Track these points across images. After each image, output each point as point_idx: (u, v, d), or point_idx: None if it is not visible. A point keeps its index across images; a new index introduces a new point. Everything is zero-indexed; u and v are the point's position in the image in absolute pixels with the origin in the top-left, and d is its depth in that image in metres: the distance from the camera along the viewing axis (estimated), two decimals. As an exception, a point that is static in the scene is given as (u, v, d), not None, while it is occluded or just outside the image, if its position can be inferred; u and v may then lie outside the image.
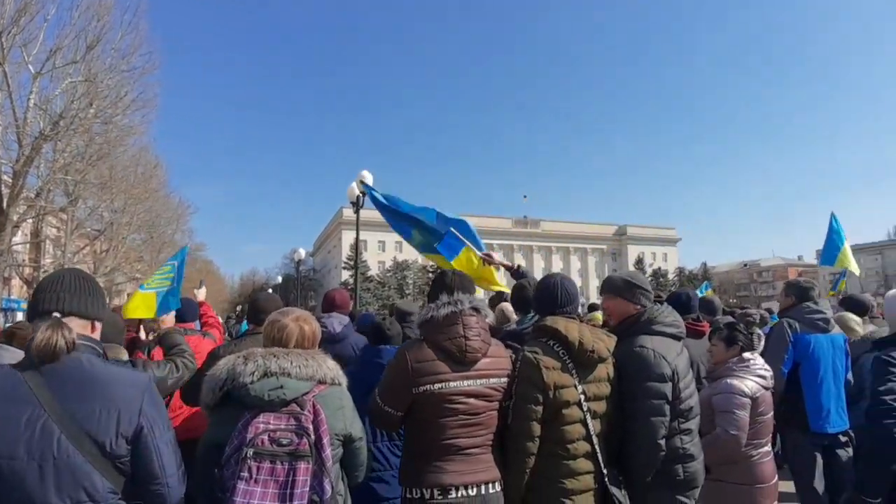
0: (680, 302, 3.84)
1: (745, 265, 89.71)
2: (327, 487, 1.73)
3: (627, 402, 2.37)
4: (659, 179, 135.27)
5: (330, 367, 1.97)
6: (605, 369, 2.32)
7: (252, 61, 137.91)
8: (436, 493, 2.04)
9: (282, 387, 1.81)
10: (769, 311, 7.85)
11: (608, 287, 2.75)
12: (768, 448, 2.87)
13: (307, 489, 1.70)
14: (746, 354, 2.89)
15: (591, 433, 2.20)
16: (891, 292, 2.67)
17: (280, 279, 52.04)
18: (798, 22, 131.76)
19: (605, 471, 2.21)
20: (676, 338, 2.62)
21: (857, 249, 77.57)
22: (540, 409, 2.15)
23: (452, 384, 2.09)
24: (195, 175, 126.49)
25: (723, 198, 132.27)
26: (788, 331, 3.61)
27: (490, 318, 2.28)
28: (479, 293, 3.43)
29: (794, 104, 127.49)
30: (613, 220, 79.78)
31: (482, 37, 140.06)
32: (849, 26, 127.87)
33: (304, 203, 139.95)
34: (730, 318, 4.06)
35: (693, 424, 2.52)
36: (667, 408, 2.36)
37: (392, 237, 68.78)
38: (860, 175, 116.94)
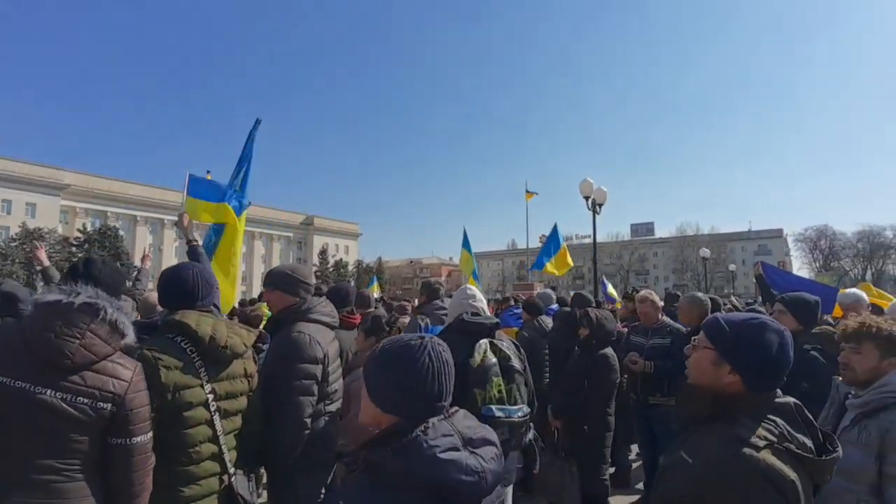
0: (339, 295, 4.17)
1: (411, 262, 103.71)
2: None
3: (278, 384, 2.44)
4: (346, 177, 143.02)
5: None
6: (243, 365, 2.24)
7: None
8: None
9: None
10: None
11: (270, 280, 2.84)
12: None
13: None
14: (383, 344, 3.26)
15: (219, 434, 2.08)
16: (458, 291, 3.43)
17: None
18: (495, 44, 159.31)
19: (231, 471, 2.12)
20: (331, 326, 2.87)
21: (485, 256, 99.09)
22: (153, 414, 1.89)
23: (18, 387, 1.59)
24: None
25: (400, 200, 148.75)
26: (421, 325, 4.29)
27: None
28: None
29: (453, 131, 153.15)
30: (302, 210, 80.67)
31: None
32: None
33: None
34: (378, 311, 4.59)
35: (334, 407, 2.75)
36: (315, 388, 2.55)
37: (22, 196, 52.56)
38: (492, 195, 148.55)
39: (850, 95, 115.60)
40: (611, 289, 11.97)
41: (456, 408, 1.29)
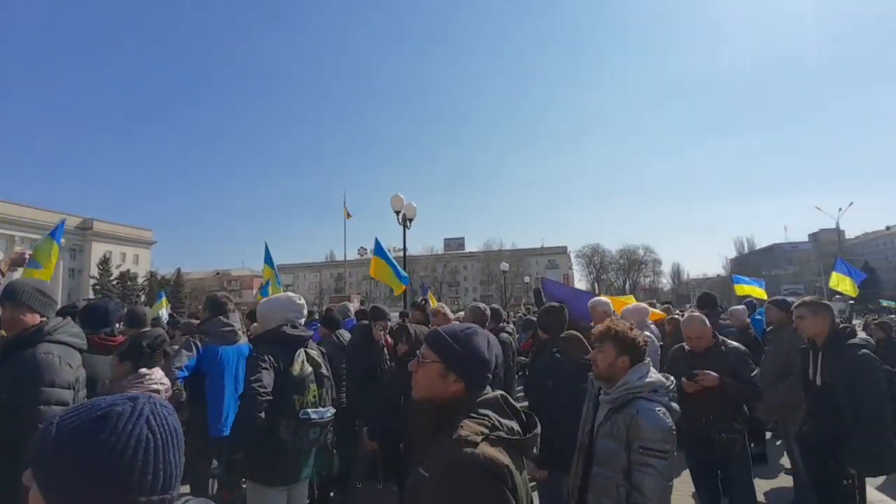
0: (96, 313, 3.60)
1: (218, 273, 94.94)
2: None
3: (18, 414, 2.17)
4: (138, 179, 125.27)
5: None
6: None
7: None
8: None
9: None
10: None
11: (17, 296, 2.48)
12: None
13: None
14: (143, 370, 2.87)
15: None
16: (262, 302, 3.33)
17: None
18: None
19: None
20: (78, 349, 2.61)
21: (302, 268, 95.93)
22: None
23: None
24: None
25: (208, 207, 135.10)
26: (198, 344, 3.91)
27: None
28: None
29: (269, 136, 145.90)
30: (81, 212, 67.74)
31: None
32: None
33: None
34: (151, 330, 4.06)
35: None
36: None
37: None
38: (310, 206, 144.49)
39: (617, 134, 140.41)
40: (430, 296, 13.16)
41: (185, 498, 0.93)
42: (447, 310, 5.23)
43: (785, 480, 5.26)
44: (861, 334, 3.66)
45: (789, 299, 4.82)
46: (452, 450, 1.32)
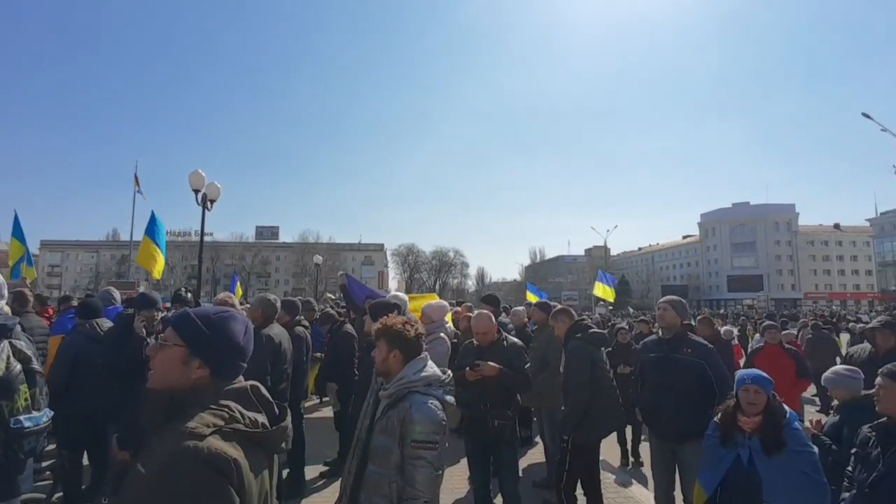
0: None
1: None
2: None
3: None
4: None
5: None
6: None
7: None
8: None
9: None
10: None
11: None
12: None
13: None
14: None
15: None
16: None
17: None
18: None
19: None
20: None
21: (75, 246, 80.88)
22: None
23: None
24: None
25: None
26: None
27: None
28: None
29: (40, 93, 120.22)
30: None
31: None
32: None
33: None
34: None
35: None
36: None
37: None
38: (91, 177, 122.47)
39: (436, 142, 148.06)
40: (238, 287, 12.43)
41: None
42: (235, 300, 4.84)
43: (543, 458, 6.06)
44: (594, 329, 4.48)
45: (552, 303, 5.58)
46: (175, 442, 1.18)
